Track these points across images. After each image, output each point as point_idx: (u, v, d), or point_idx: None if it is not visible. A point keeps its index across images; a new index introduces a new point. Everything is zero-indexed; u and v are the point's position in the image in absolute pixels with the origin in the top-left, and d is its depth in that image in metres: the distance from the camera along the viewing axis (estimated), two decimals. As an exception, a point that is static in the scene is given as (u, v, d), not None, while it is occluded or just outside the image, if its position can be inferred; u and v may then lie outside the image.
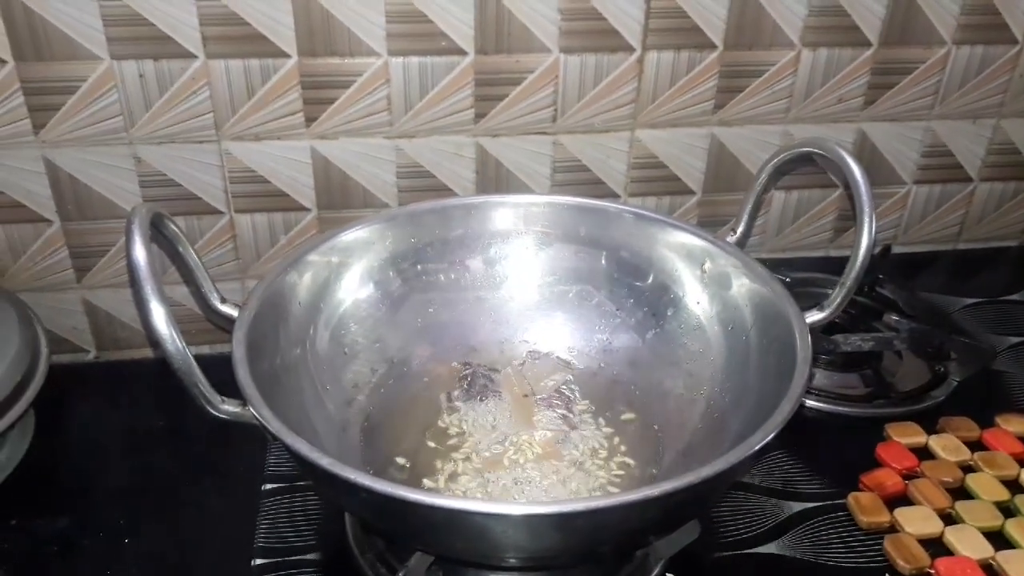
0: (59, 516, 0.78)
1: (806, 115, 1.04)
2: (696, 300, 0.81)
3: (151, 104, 0.88)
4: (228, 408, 0.62)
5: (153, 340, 0.56)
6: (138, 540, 0.77)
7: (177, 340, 0.59)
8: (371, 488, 0.55)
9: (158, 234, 0.68)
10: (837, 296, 0.71)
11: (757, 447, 0.59)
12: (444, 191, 0.99)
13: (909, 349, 0.94)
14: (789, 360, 0.67)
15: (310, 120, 0.92)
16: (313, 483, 0.68)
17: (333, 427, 0.74)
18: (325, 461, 0.57)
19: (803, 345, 0.67)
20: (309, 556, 0.74)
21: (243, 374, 0.64)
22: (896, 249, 1.17)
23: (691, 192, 1.06)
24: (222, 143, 0.92)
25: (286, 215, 0.97)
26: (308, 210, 0.97)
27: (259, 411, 0.61)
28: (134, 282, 0.59)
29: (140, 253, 0.59)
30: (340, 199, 0.97)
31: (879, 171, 1.11)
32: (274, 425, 0.60)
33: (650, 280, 0.83)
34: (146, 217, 0.62)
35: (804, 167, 1.08)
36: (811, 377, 0.65)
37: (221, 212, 0.95)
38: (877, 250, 1.09)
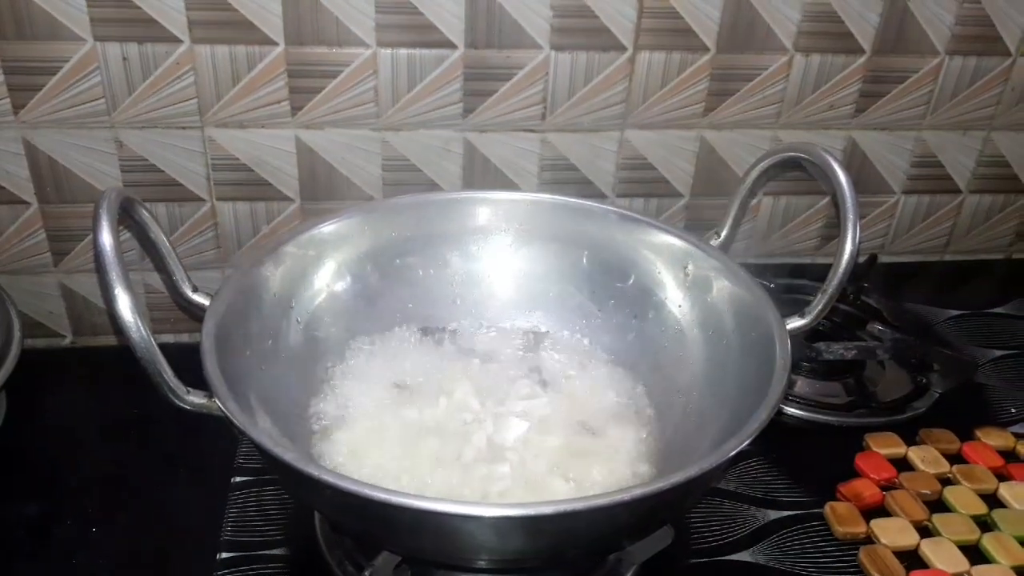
0: (28, 502, 0.77)
1: (797, 121, 1.03)
2: (678, 303, 0.79)
3: (134, 88, 0.86)
4: (193, 399, 0.60)
5: (117, 328, 0.54)
6: (106, 529, 0.75)
7: (142, 328, 0.57)
8: (334, 485, 0.54)
9: (129, 219, 0.66)
10: (819, 303, 0.70)
11: (731, 453, 0.57)
12: (430, 186, 0.97)
13: (892, 359, 0.92)
14: (768, 366, 0.65)
15: (296, 109, 0.90)
16: (278, 478, 0.66)
17: (303, 421, 0.72)
18: (289, 456, 0.56)
19: (783, 352, 0.66)
20: (276, 551, 0.72)
21: (210, 365, 0.62)
22: (883, 258, 1.16)
23: (679, 195, 1.05)
24: (205, 129, 0.90)
25: (269, 204, 0.96)
26: (291, 200, 0.96)
27: (224, 403, 0.59)
28: (100, 267, 0.57)
29: (107, 238, 0.57)
30: (324, 190, 0.95)
31: (868, 180, 1.09)
32: (239, 418, 0.58)
33: (632, 281, 0.81)
34: (115, 201, 0.60)
35: (792, 173, 1.06)
36: (790, 384, 0.63)
37: (203, 200, 0.94)
38: (863, 259, 1.07)
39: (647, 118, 0.98)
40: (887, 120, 1.06)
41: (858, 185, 1.09)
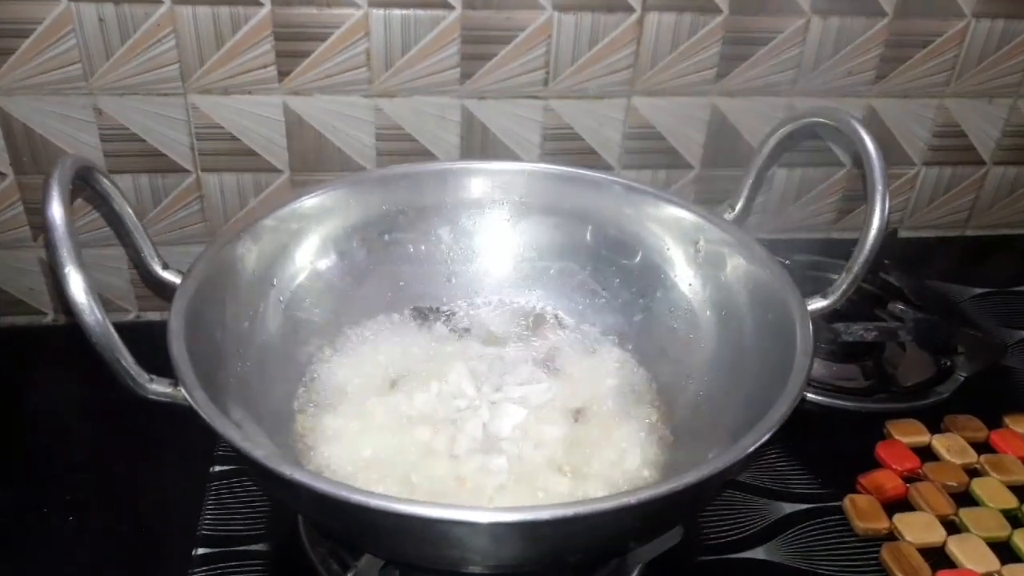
0: (5, 487, 0.73)
1: (813, 88, 0.96)
2: (688, 282, 0.72)
3: (112, 51, 0.81)
4: (157, 388, 0.54)
5: (68, 310, 0.48)
6: (83, 517, 0.70)
7: (96, 311, 0.51)
8: (308, 486, 0.48)
9: (89, 190, 0.59)
10: (843, 283, 0.63)
11: (749, 450, 0.51)
12: (426, 156, 0.92)
13: (914, 341, 0.85)
14: (787, 352, 0.59)
15: (283, 74, 0.85)
16: (250, 476, 0.60)
17: (281, 412, 0.66)
18: (259, 453, 0.49)
19: (803, 336, 0.59)
20: (256, 547, 0.66)
21: (178, 349, 0.56)
22: (902, 233, 1.09)
23: (689, 166, 0.99)
24: (188, 96, 0.85)
25: (256, 176, 0.91)
26: (280, 172, 0.91)
27: (191, 392, 0.53)
28: (49, 244, 0.51)
29: (57, 211, 0.51)
30: (314, 161, 0.90)
31: (887, 150, 0.98)
32: (206, 409, 0.52)
33: (638, 258, 0.75)
34: (69, 170, 0.53)
35: (808, 142, 1.00)
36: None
37: (187, 171, 0.89)
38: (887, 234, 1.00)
39: (656, 84, 0.93)
40: (909, 87, 0.99)
41: None
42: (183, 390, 0.53)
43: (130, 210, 0.63)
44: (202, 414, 0.52)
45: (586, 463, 0.63)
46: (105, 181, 0.60)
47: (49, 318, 0.95)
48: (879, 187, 0.62)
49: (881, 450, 0.76)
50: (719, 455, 0.50)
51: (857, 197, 1.06)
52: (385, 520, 0.48)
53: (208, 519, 0.68)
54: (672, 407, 0.69)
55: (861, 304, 0.91)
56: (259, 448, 0.50)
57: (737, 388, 0.63)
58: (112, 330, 0.52)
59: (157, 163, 0.88)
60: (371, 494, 0.47)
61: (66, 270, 0.50)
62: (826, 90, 0.97)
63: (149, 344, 0.56)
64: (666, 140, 0.97)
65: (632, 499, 0.48)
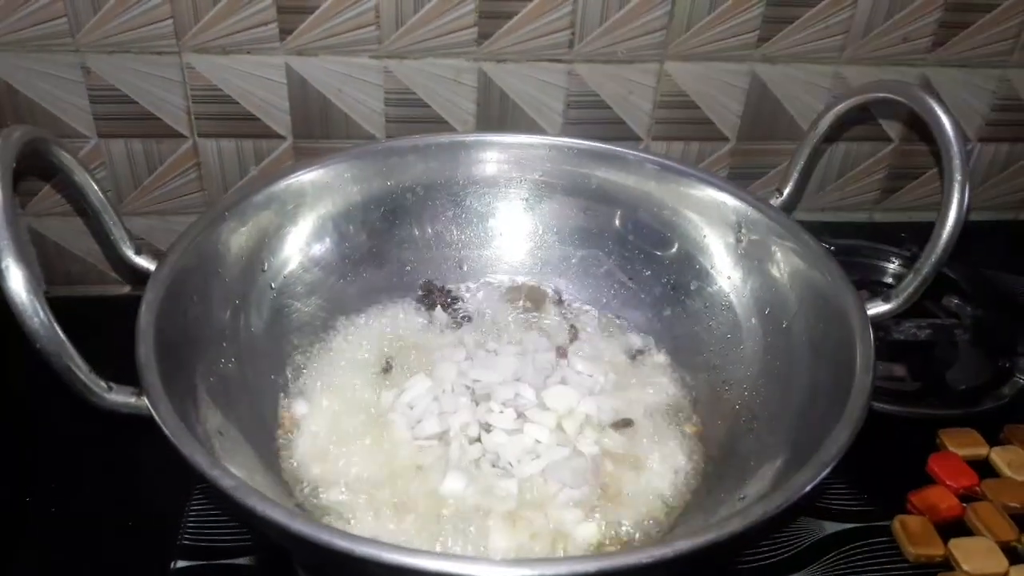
0: None
1: (863, 55, 0.88)
2: (727, 275, 0.64)
3: (100, 5, 0.75)
4: (117, 399, 0.46)
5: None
6: (65, 510, 0.64)
7: (41, 312, 0.44)
8: (279, 524, 0.39)
9: (46, 164, 0.51)
10: (909, 285, 0.54)
11: (805, 490, 0.43)
12: (439, 124, 0.85)
13: (971, 340, 0.75)
14: (844, 367, 0.51)
15: (285, 32, 0.79)
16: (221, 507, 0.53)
17: (266, 414, 0.59)
18: (227, 483, 0.41)
19: (864, 349, 0.51)
20: (240, 560, 0.59)
21: (145, 353, 0.48)
22: None
23: (723, 138, 0.91)
24: (184, 55, 0.79)
25: (257, 142, 0.85)
26: (283, 138, 0.84)
27: (156, 405, 0.45)
28: (-13, 231, 0.42)
29: (-3, 192, 0.42)
30: (319, 127, 0.84)
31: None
32: (173, 427, 0.44)
33: (672, 247, 0.66)
34: (15, 144, 0.45)
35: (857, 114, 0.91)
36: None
37: (183, 136, 0.83)
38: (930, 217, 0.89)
39: (691, 48, 0.85)
40: (968, 56, 0.90)
41: (923, 129, 0.93)
42: (147, 401, 0.45)
43: (95, 185, 0.54)
44: (167, 432, 0.44)
45: (609, 491, 0.55)
46: (64, 155, 0.52)
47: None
48: (958, 175, 0.52)
49: (934, 464, 0.67)
50: (764, 498, 0.42)
51: (904, 175, 0.98)
52: (376, 570, 0.39)
53: (190, 528, 0.61)
54: (708, 418, 0.61)
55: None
56: (229, 478, 0.41)
57: (785, 403, 0.54)
58: (61, 334, 0.44)
59: (151, 127, 0.82)
60: (355, 539, 0.39)
61: (4, 264, 0.41)
62: (877, 58, 0.88)
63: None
64: (700, 110, 0.89)
65: (667, 551, 0.39)
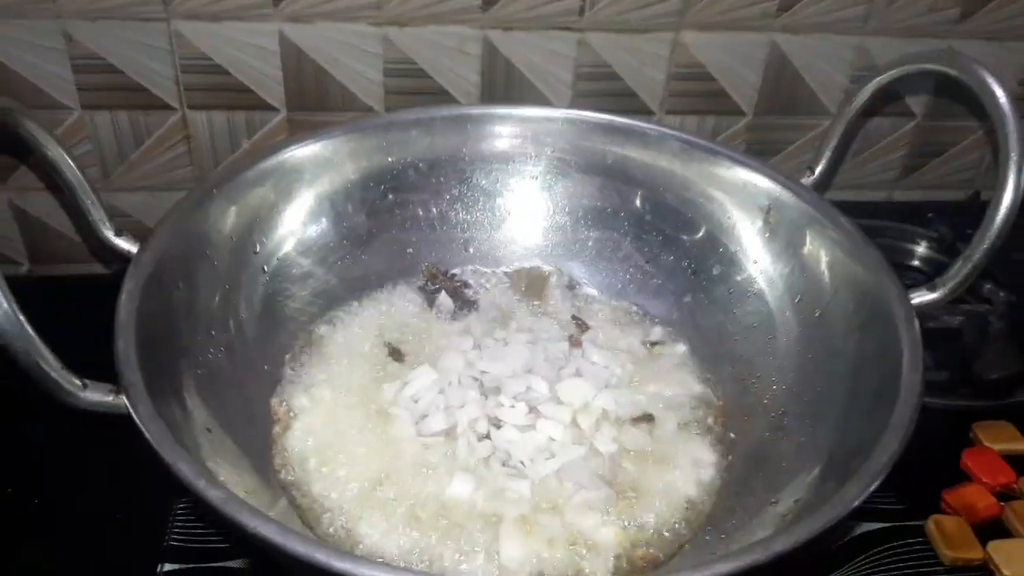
0: None
1: (888, 26, 0.84)
2: (753, 258, 0.60)
3: None
4: (92, 397, 0.42)
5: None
6: (49, 503, 0.60)
7: (5, 303, 0.38)
8: (266, 539, 0.35)
9: (15, 137, 0.46)
10: (959, 272, 0.50)
11: (854, 504, 0.38)
12: (441, 96, 0.82)
13: (1006, 327, 0.71)
14: (887, 359, 0.47)
15: None
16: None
17: (257, 411, 0.55)
18: (214, 495, 0.37)
19: (911, 343, 0.46)
20: (232, 563, 0.55)
21: (124, 347, 0.44)
22: (985, 195, 0.95)
23: (740, 113, 0.88)
24: (172, 22, 0.76)
25: (250, 115, 0.82)
26: (276, 110, 0.81)
27: (136, 404, 0.40)
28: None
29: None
30: (315, 99, 0.81)
31: (963, 99, 0.89)
32: (153, 429, 0.40)
33: (697, 230, 0.62)
34: (-24, 114, 0.40)
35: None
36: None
37: (172, 107, 0.80)
38: (962, 195, 0.86)
39: (708, 17, 0.82)
40: (997, 28, 0.86)
41: (950, 105, 0.89)
42: (125, 400, 0.41)
43: (69, 159, 0.50)
44: (148, 437, 0.40)
45: (625, 489, 0.51)
46: (35, 128, 0.47)
47: (24, 268, 0.87)
48: (1014, 153, 0.48)
49: (968, 459, 0.64)
50: (808, 513, 0.37)
51: (927, 153, 0.94)
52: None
53: (178, 528, 0.56)
54: (733, 413, 0.57)
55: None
56: (215, 489, 0.37)
57: (818, 401, 0.51)
58: (27, 327, 0.40)
59: (137, 99, 0.79)
60: (355, 560, 0.35)
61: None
62: (903, 29, 0.85)
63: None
64: (716, 82, 0.86)
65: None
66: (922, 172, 0.95)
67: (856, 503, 0.38)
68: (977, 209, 0.87)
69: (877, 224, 0.83)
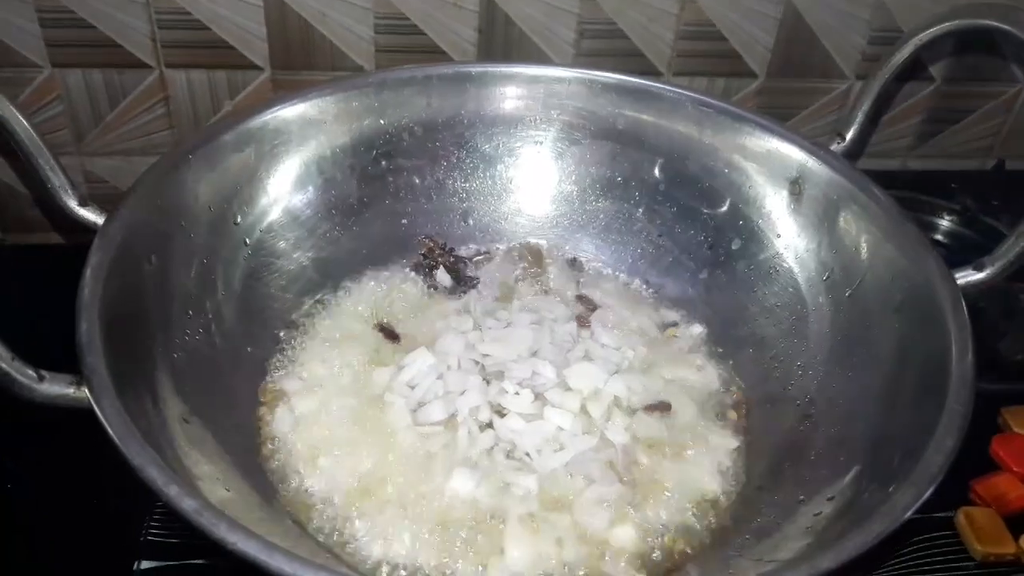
0: None
1: None
2: (777, 232, 0.56)
3: None
4: (50, 390, 0.38)
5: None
6: (14, 502, 0.56)
7: None
8: (261, 563, 0.31)
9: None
10: (1010, 250, 0.46)
11: (905, 515, 0.35)
12: (435, 55, 0.79)
13: (1032, 305, 0.68)
14: (933, 348, 0.43)
15: None
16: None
17: (241, 397, 0.51)
18: (187, 504, 0.33)
19: (959, 329, 0.42)
20: (212, 560, 0.51)
21: (87, 330, 0.39)
22: (1010, 165, 0.92)
23: (752, 74, 0.84)
24: None
25: (231, 74, 0.78)
26: (260, 69, 0.78)
27: (99, 398, 0.36)
28: None
29: None
30: (301, 57, 0.78)
31: (982, 62, 0.86)
32: (117, 426, 0.35)
33: (717, 202, 0.59)
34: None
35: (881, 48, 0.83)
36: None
37: (148, 66, 0.77)
38: (984, 164, 0.81)
39: None
40: None
41: (972, 68, 0.85)
42: (87, 392, 0.36)
43: (25, 123, 0.45)
44: (113, 436, 0.35)
45: (636, 486, 0.48)
46: None
47: (-3, 238, 0.85)
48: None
49: (998, 446, 0.61)
50: (858, 529, 0.34)
51: (944, 119, 0.90)
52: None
53: (156, 523, 0.53)
54: (755, 400, 0.53)
55: (962, 256, 0.73)
56: (190, 499, 0.32)
57: (851, 389, 0.47)
58: None
59: (111, 56, 0.75)
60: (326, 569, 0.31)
61: None
62: None
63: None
64: (727, 41, 0.82)
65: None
66: (938, 139, 0.91)
67: (910, 513, 0.34)
68: (1004, 179, 0.84)
69: (898, 195, 0.79)
